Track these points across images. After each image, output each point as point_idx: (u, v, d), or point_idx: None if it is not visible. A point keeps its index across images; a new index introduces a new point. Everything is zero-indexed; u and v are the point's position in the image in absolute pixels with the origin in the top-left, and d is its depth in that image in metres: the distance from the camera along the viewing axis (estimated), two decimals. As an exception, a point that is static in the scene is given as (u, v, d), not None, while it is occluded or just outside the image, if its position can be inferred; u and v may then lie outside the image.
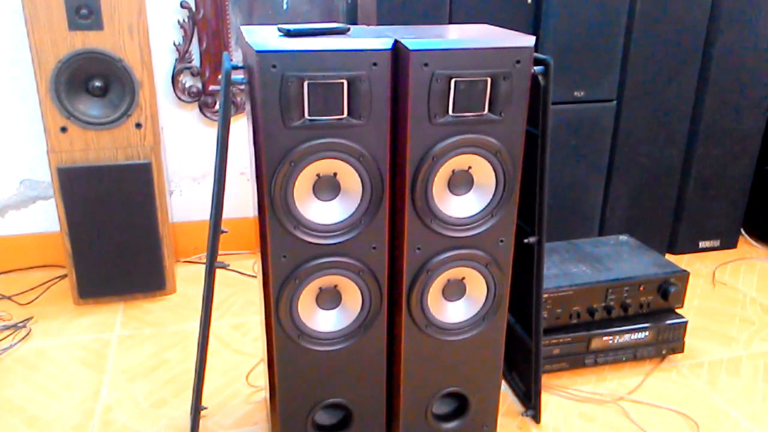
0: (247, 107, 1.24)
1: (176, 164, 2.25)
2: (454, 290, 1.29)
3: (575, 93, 2.05)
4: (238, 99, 2.17)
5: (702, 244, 2.42)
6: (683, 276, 1.70)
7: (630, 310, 1.68)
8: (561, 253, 1.79)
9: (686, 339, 1.74)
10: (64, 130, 1.83)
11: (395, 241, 1.25)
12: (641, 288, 1.67)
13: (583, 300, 1.63)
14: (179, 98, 2.15)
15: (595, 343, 1.66)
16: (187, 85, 2.15)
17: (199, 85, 2.16)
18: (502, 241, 1.27)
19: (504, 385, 1.64)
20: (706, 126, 2.24)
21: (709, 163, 2.29)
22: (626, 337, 1.67)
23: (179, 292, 2.09)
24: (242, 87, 1.91)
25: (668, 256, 2.38)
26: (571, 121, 2.07)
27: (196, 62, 2.13)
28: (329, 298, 1.25)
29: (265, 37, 1.11)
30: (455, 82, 1.13)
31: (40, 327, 1.89)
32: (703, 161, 2.29)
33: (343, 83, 1.10)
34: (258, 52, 1.05)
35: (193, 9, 2.06)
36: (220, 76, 2.09)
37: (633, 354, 1.70)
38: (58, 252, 2.18)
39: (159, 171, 1.93)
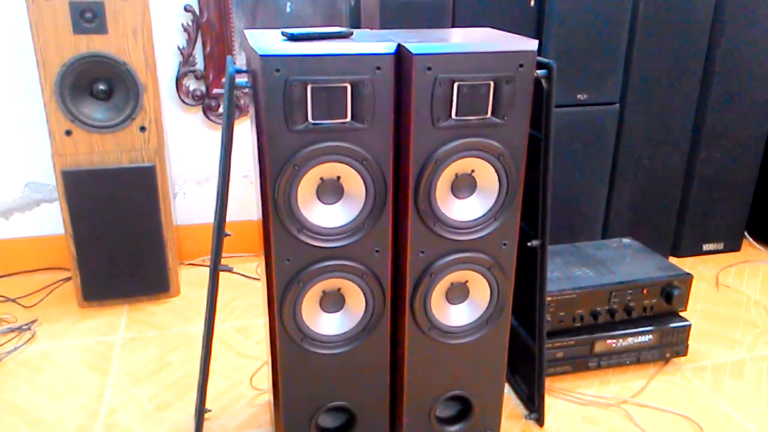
0: (251, 111, 1.25)
1: (180, 167, 2.25)
2: (458, 293, 1.30)
3: (578, 96, 2.05)
4: (242, 102, 2.17)
5: (706, 247, 2.41)
6: (687, 279, 1.69)
7: (633, 314, 1.67)
8: (564, 256, 1.79)
9: (690, 342, 1.74)
10: (68, 133, 1.83)
11: (398, 245, 1.26)
12: (645, 291, 1.67)
13: (587, 303, 1.63)
14: (183, 101, 2.16)
15: (599, 347, 1.66)
16: (190, 89, 2.15)
17: (203, 89, 2.16)
18: (505, 244, 1.27)
19: (507, 389, 1.64)
20: (710, 129, 2.24)
21: (713, 165, 2.29)
22: (630, 341, 1.67)
23: (183, 295, 2.10)
24: (246, 91, 1.91)
25: (672, 259, 2.38)
26: (575, 124, 2.07)
27: (199, 65, 2.14)
28: (333, 302, 1.25)
29: (269, 41, 1.12)
30: (458, 85, 1.13)
31: (44, 329, 1.89)
32: (706, 164, 2.28)
33: (346, 87, 1.11)
34: (262, 56, 1.06)
35: (197, 12, 2.07)
36: (223, 80, 2.10)
37: (636, 357, 1.70)
38: (63, 255, 2.18)
39: (163, 174, 1.94)
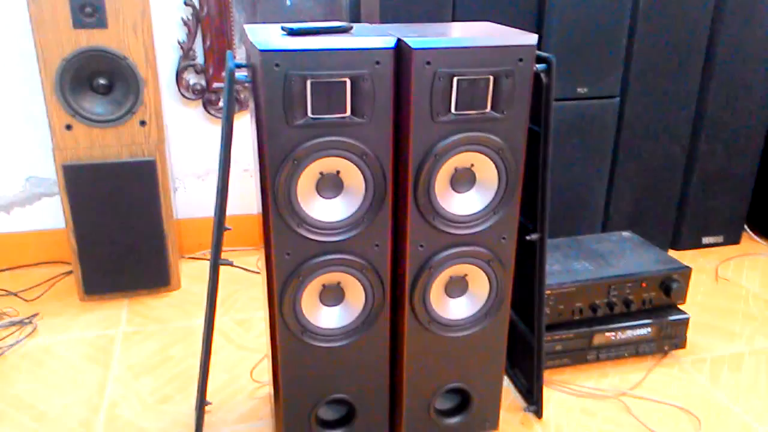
0: (251, 105, 1.25)
1: (180, 161, 2.26)
2: (457, 287, 1.30)
3: (578, 90, 2.05)
4: (242, 96, 2.17)
5: (705, 240, 2.42)
6: (686, 272, 1.70)
7: (632, 307, 1.68)
8: (564, 249, 1.80)
9: (689, 335, 1.75)
10: (69, 127, 1.84)
11: (398, 239, 1.26)
12: (643, 284, 1.67)
13: (586, 296, 1.64)
14: (183, 95, 2.16)
15: (598, 339, 1.67)
16: (191, 83, 2.16)
17: (203, 83, 2.17)
18: (504, 238, 1.28)
19: (506, 381, 1.65)
20: (710, 122, 2.24)
21: (713, 158, 2.29)
22: (628, 333, 1.68)
23: (184, 289, 2.11)
24: (246, 85, 1.91)
25: (671, 252, 2.39)
26: (575, 117, 2.07)
27: (199, 60, 2.14)
28: (332, 295, 1.26)
29: (269, 35, 1.12)
30: (458, 80, 1.13)
31: (45, 323, 1.90)
32: (706, 157, 2.28)
33: (346, 82, 1.11)
34: (262, 51, 1.06)
35: (197, 6, 2.07)
36: (223, 74, 2.10)
37: (635, 350, 1.70)
38: (64, 248, 2.19)
39: (163, 168, 1.94)
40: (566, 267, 1.70)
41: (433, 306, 1.29)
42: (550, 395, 1.61)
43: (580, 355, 1.67)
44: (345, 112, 1.13)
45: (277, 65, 1.07)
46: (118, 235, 1.96)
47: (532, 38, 1.16)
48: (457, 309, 1.31)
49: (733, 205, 2.38)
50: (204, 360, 1.34)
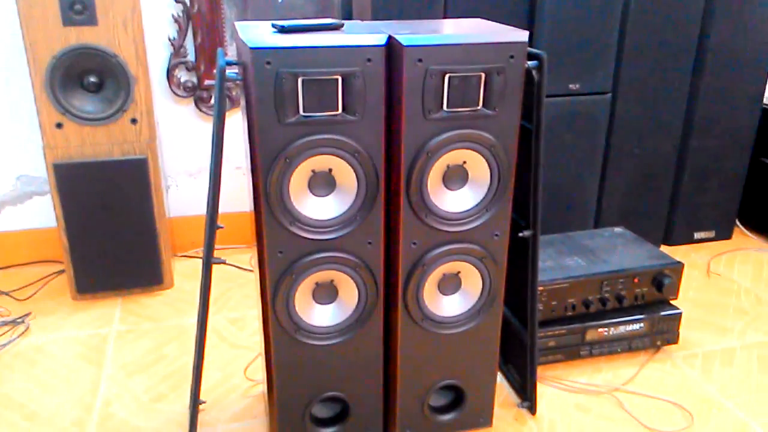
0: (242, 103, 1.24)
1: (172, 159, 2.25)
2: (450, 284, 1.30)
3: (570, 86, 2.05)
4: (234, 94, 2.17)
5: (697, 235, 2.43)
6: (678, 268, 1.71)
7: (625, 302, 1.69)
8: (556, 246, 1.80)
9: (681, 330, 1.76)
10: (59, 126, 1.83)
11: (391, 236, 1.26)
12: (636, 280, 1.68)
13: (579, 292, 1.65)
14: (174, 93, 2.15)
15: (591, 335, 1.67)
16: (182, 80, 2.15)
17: (195, 80, 2.16)
18: (497, 235, 1.28)
19: (500, 377, 1.65)
20: (701, 117, 2.24)
21: (704, 154, 2.30)
22: (621, 329, 1.69)
23: (177, 287, 2.10)
24: (237, 83, 1.91)
25: (663, 248, 2.39)
26: (566, 113, 2.07)
27: (191, 57, 2.13)
28: (326, 293, 1.26)
29: (259, 33, 1.12)
30: (449, 77, 1.13)
31: (38, 322, 1.90)
32: (698, 153, 2.29)
33: (337, 79, 1.11)
34: (252, 49, 1.06)
35: (188, 3, 2.05)
36: (215, 71, 2.09)
37: (628, 345, 1.71)
38: (56, 247, 2.18)
39: (155, 166, 1.93)
40: (559, 263, 1.70)
41: (426, 303, 1.29)
42: (543, 391, 1.61)
43: (574, 351, 1.68)
44: (337, 109, 1.13)
45: (268, 63, 1.07)
46: (110, 234, 1.96)
47: (523, 35, 1.16)
48: (450, 306, 1.32)
49: (725, 200, 2.39)
50: (197, 359, 1.34)
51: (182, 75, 2.15)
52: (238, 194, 2.33)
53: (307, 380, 1.31)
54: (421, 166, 1.18)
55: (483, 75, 1.15)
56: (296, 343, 1.27)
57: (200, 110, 2.20)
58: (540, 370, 1.66)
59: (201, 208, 2.32)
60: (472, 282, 1.31)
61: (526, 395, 1.54)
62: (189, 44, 2.11)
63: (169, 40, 2.09)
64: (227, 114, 2.19)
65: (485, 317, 1.34)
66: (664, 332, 1.73)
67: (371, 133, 1.16)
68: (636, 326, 1.69)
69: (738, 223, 2.52)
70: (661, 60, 2.11)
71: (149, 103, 1.88)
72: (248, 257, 2.30)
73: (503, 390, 1.61)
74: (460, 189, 1.24)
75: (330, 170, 1.17)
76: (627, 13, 2.03)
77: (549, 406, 1.56)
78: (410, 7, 1.85)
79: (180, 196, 2.30)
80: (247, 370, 1.69)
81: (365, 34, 1.12)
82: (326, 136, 1.13)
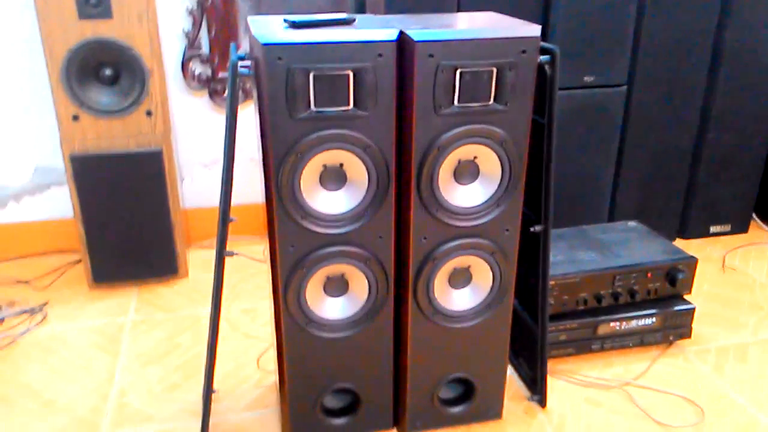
0: (254, 98, 1.25)
1: (187, 151, 2.27)
2: (460, 278, 1.31)
3: (585, 78, 2.04)
4: (248, 86, 2.18)
5: (713, 229, 2.41)
6: (691, 263, 1.70)
7: (637, 297, 1.68)
8: (569, 240, 1.80)
9: (694, 325, 1.75)
10: (76, 118, 1.85)
11: (401, 231, 1.27)
12: (649, 275, 1.67)
13: (591, 286, 1.64)
14: (189, 85, 2.17)
15: (602, 329, 1.67)
16: (196, 72, 2.16)
17: (209, 72, 2.17)
18: (507, 230, 1.28)
19: (511, 370, 1.66)
20: (718, 110, 2.22)
21: (721, 147, 2.28)
22: (633, 323, 1.68)
23: (191, 277, 2.12)
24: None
25: (679, 241, 2.38)
26: (582, 106, 2.06)
27: (205, 49, 2.14)
28: (336, 287, 1.27)
29: (272, 28, 1.12)
30: (460, 72, 1.13)
31: (55, 311, 1.93)
32: (714, 145, 2.27)
33: (348, 75, 1.11)
34: (264, 44, 1.06)
35: (202, -4, 2.06)
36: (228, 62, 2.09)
37: (640, 340, 1.71)
38: (73, 237, 2.21)
39: (170, 158, 1.95)
40: (571, 257, 1.70)
41: (436, 297, 1.30)
42: (554, 384, 1.61)
43: (585, 345, 1.68)
44: (348, 104, 1.13)
45: (279, 58, 1.08)
46: (126, 225, 1.98)
47: (535, 30, 1.16)
48: (460, 300, 1.32)
49: (741, 193, 2.37)
50: (210, 350, 1.35)
51: (197, 67, 2.16)
52: (251, 185, 2.34)
53: (319, 372, 1.33)
54: (432, 161, 1.18)
55: (494, 70, 1.15)
56: (307, 336, 1.28)
57: (214, 102, 2.21)
58: (551, 364, 1.66)
59: (215, 200, 2.33)
60: (483, 276, 1.31)
61: (537, 389, 1.54)
62: (203, 37, 2.12)
63: (184, 32, 2.10)
64: (241, 106, 2.20)
65: (495, 311, 1.34)
66: (676, 327, 1.72)
67: (382, 128, 1.16)
68: (648, 321, 1.69)
69: (755, 216, 2.49)
70: (678, 52, 2.09)
71: (164, 95, 1.89)
72: (261, 248, 2.32)
73: (514, 383, 1.62)
74: (471, 184, 1.24)
75: (341, 165, 1.18)
76: (644, 4, 2.01)
77: (559, 399, 1.57)
78: (424, 4, 1.84)
79: (195, 187, 2.31)
80: (259, 360, 1.71)
81: (377, 29, 1.12)
82: (337, 131, 1.14)
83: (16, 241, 2.24)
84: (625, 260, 1.68)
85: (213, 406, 1.53)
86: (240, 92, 2.19)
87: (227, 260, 1.29)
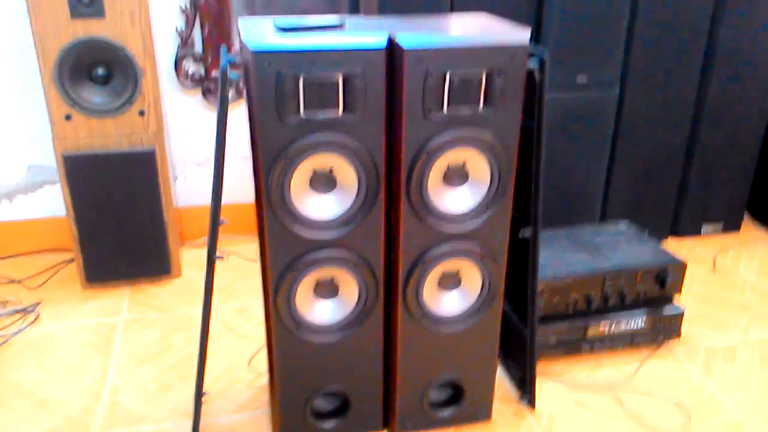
0: (245, 104, 1.25)
1: (179, 149, 2.27)
2: (450, 282, 1.32)
3: (578, 78, 2.04)
4: (241, 85, 2.17)
5: (705, 228, 2.41)
6: (680, 266, 1.71)
7: (627, 299, 1.69)
8: (559, 241, 1.81)
9: (684, 326, 1.76)
10: (68, 118, 1.84)
11: (391, 235, 1.27)
12: (638, 278, 1.68)
13: (581, 289, 1.65)
14: (182, 84, 2.16)
15: (592, 331, 1.68)
16: (189, 71, 2.16)
17: (202, 71, 2.16)
18: (497, 234, 1.28)
19: (500, 372, 1.67)
20: (711, 109, 2.22)
21: (713, 146, 2.28)
22: (623, 325, 1.69)
23: (184, 276, 2.13)
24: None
25: (671, 239, 2.39)
26: (574, 106, 2.06)
27: (198, 48, 2.13)
28: (326, 291, 1.28)
29: (261, 33, 1.12)
30: (450, 78, 1.13)
31: (48, 311, 1.93)
32: (706, 144, 2.27)
33: (338, 80, 1.11)
34: (254, 51, 1.06)
35: (195, -6, 2.06)
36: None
37: (629, 341, 1.72)
38: (66, 236, 2.21)
39: (163, 157, 1.95)
40: (561, 259, 1.71)
41: (425, 301, 1.30)
42: (543, 386, 1.62)
43: (575, 347, 1.69)
44: (337, 110, 1.13)
45: (269, 64, 1.08)
46: (119, 224, 1.98)
47: (524, 36, 1.16)
48: (449, 304, 1.33)
49: (733, 192, 2.38)
50: (201, 352, 1.36)
51: (190, 66, 2.15)
52: (244, 184, 2.34)
53: (309, 375, 1.33)
54: (422, 166, 1.19)
55: (484, 76, 1.15)
56: (298, 339, 1.29)
57: (207, 101, 2.21)
58: (541, 366, 1.67)
59: (208, 198, 2.33)
60: (472, 280, 1.32)
61: (526, 390, 1.55)
62: (197, 35, 2.12)
63: (177, 31, 2.10)
64: (235, 104, 2.20)
65: (485, 315, 1.35)
66: (665, 329, 1.73)
67: (372, 133, 1.16)
68: (638, 323, 1.70)
69: (747, 214, 2.50)
70: (671, 52, 2.09)
71: (157, 95, 1.89)
72: (254, 247, 2.32)
73: (503, 384, 1.63)
74: (461, 188, 1.24)
75: (331, 170, 1.18)
76: (636, 4, 2.01)
77: (549, 401, 1.58)
78: (417, 1, 1.84)
79: (188, 185, 2.32)
80: (250, 361, 1.72)
81: (366, 34, 1.12)
82: (327, 136, 1.14)
83: (9, 240, 2.24)
84: (615, 263, 1.69)
85: (204, 407, 1.54)
86: (233, 91, 2.19)
87: (220, 260, 1.29)
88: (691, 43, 2.10)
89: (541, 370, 1.66)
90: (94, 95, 1.86)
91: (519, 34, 1.16)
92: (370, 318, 1.30)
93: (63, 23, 1.75)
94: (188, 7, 2.07)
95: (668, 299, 1.75)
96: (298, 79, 1.09)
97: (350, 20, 1.26)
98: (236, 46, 2.14)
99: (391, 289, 1.31)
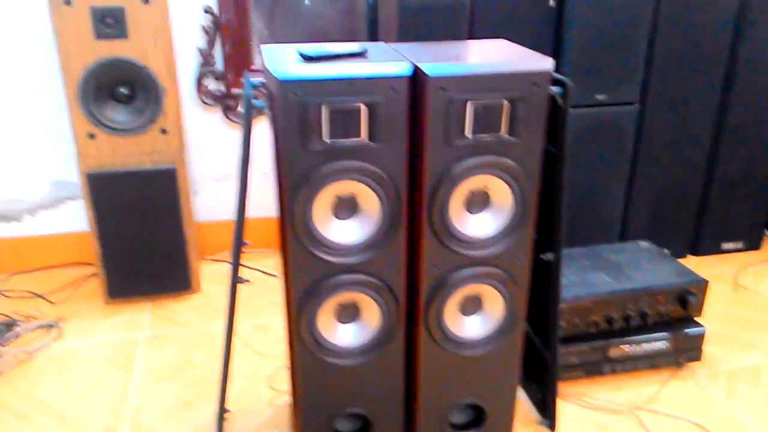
0: (268, 130, 1.26)
1: (200, 165, 2.29)
2: (471, 307, 1.32)
3: (597, 96, 2.04)
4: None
5: (725, 246, 2.40)
6: (702, 285, 1.69)
7: (649, 320, 1.68)
8: (580, 261, 1.80)
9: (705, 346, 1.75)
10: (92, 136, 1.87)
11: (413, 260, 1.27)
12: (660, 298, 1.67)
13: (602, 310, 1.64)
14: (203, 101, 2.19)
15: (613, 352, 1.67)
16: (210, 89, 2.18)
17: (223, 89, 2.19)
18: (519, 259, 1.28)
19: (521, 393, 1.66)
20: (731, 127, 2.21)
21: (733, 164, 2.27)
22: (644, 347, 1.68)
23: (204, 292, 2.15)
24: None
25: (690, 258, 2.37)
26: (594, 124, 2.06)
27: (219, 66, 2.16)
28: (348, 314, 1.28)
29: (285, 61, 1.13)
30: (472, 105, 1.14)
31: (70, 326, 1.95)
32: (727, 162, 2.26)
33: (361, 108, 1.12)
34: (279, 80, 1.07)
35: (217, 14, 2.08)
36: (242, 79, 2.11)
37: (651, 363, 1.71)
38: (89, 251, 2.24)
39: (184, 175, 1.97)
40: (582, 279, 1.70)
41: (447, 325, 1.30)
42: (564, 408, 1.62)
43: (596, 368, 1.68)
44: (360, 137, 1.14)
45: (294, 93, 1.09)
46: (140, 241, 2.00)
47: (547, 62, 1.16)
48: (471, 328, 1.33)
49: (754, 210, 2.36)
50: (223, 373, 1.37)
51: (210, 84, 2.18)
52: (265, 199, 2.36)
53: (331, 397, 1.34)
54: (444, 192, 1.19)
55: (506, 103, 1.15)
56: (320, 362, 1.29)
57: (228, 118, 2.23)
58: (561, 387, 1.67)
59: (228, 213, 2.36)
60: (494, 304, 1.32)
61: (547, 412, 1.55)
62: (218, 53, 2.14)
63: (198, 49, 2.12)
64: (255, 120, 2.22)
65: (507, 339, 1.35)
66: (687, 350, 1.72)
67: (394, 160, 1.17)
68: (659, 344, 1.69)
69: (767, 233, 2.48)
70: (691, 70, 2.08)
71: (178, 113, 1.92)
72: (274, 261, 2.33)
73: (524, 406, 1.62)
74: (483, 214, 1.24)
75: (354, 196, 1.19)
76: (656, 22, 2.00)
77: (569, 423, 1.57)
78: (437, 20, 1.85)
79: (207, 201, 2.34)
80: (271, 380, 1.73)
81: (389, 62, 1.13)
82: (350, 163, 1.15)
83: (33, 255, 2.27)
84: (637, 283, 1.68)
85: (226, 425, 1.55)
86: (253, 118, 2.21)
87: (240, 273, 1.30)
88: (711, 61, 2.09)
89: (561, 391, 1.66)
90: (117, 114, 1.89)
91: (541, 61, 1.16)
92: (392, 341, 1.30)
93: (87, 44, 1.78)
94: (209, 25, 2.10)
95: (690, 319, 1.74)
96: (321, 107, 1.10)
97: (372, 48, 1.27)
98: (256, 64, 2.16)
99: (413, 313, 1.31)
